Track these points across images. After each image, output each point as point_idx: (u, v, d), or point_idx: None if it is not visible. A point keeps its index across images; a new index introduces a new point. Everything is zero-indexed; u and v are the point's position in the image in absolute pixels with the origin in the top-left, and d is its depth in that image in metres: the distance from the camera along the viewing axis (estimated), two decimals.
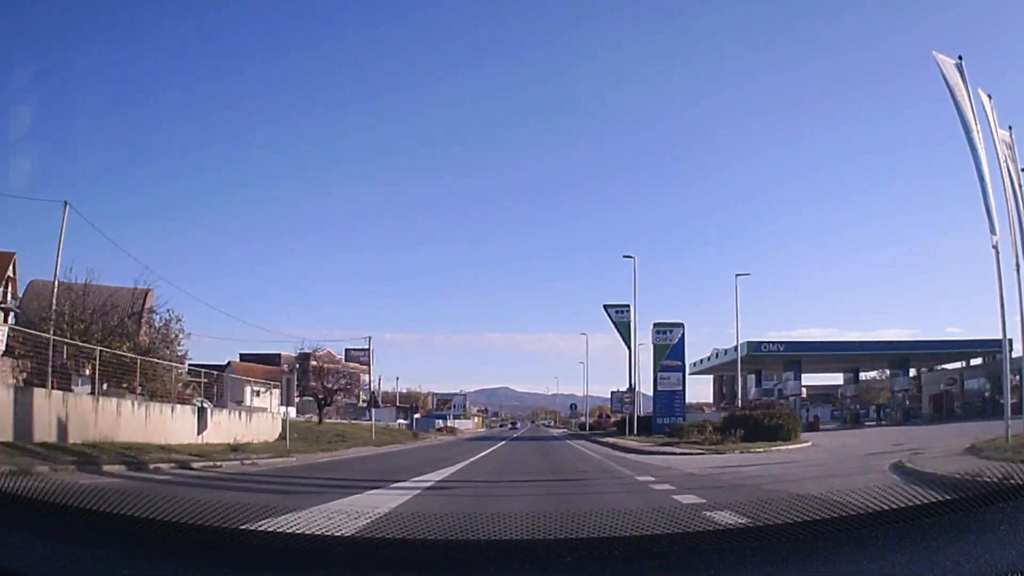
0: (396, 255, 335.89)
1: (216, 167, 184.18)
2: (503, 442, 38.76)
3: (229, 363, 65.82)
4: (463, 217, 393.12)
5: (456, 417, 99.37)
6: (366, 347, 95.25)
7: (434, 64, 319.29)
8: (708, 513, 1.82)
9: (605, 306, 46.74)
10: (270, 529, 1.84)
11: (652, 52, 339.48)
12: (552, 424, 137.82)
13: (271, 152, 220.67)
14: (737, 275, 39.48)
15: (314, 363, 77.63)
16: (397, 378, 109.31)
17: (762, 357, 50.49)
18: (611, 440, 34.45)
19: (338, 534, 1.93)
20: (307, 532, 1.89)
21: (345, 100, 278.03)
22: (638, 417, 42.34)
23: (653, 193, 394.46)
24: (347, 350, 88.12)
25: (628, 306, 46.76)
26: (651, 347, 43.89)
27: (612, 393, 78.10)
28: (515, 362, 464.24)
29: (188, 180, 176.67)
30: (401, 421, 60.02)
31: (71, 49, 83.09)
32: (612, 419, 78.33)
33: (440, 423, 75.41)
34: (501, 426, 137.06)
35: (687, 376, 47.05)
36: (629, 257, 45.72)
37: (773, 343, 50.60)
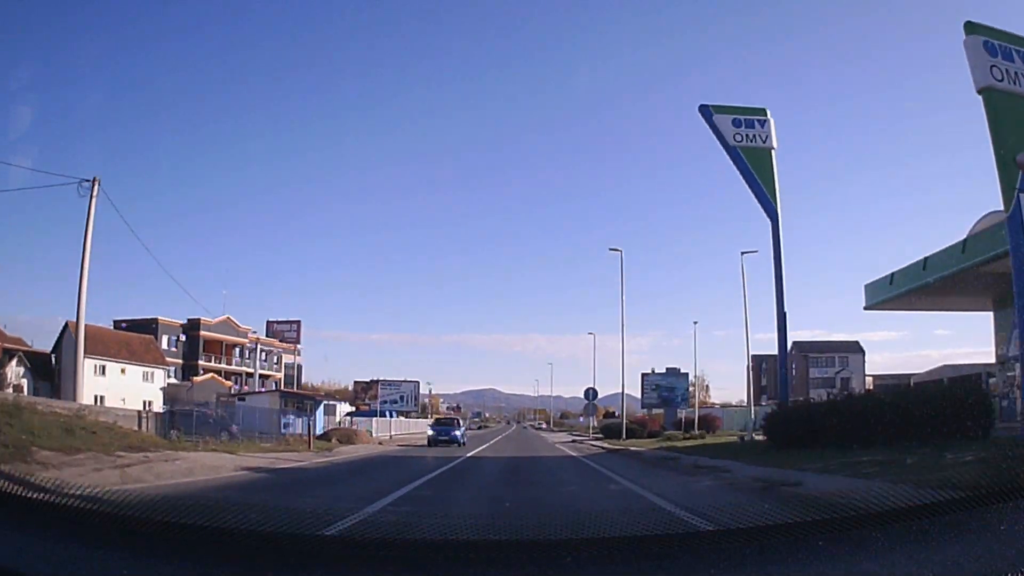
0: (380, 257, 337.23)
1: (209, 164, 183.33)
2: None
3: (67, 326, 47.20)
4: (448, 220, 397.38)
5: (406, 414, 71.50)
6: (292, 320, 77.51)
7: (424, 61, 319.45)
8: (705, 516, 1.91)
9: (707, 109, 22.76)
10: (270, 530, 1.96)
11: (651, 61, 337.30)
12: (543, 426, 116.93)
13: (259, 147, 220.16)
14: None
15: (205, 333, 64.96)
16: (298, 348, 77.21)
17: None
18: None
19: (329, 533, 2.03)
20: (304, 533, 2.00)
21: (339, 96, 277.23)
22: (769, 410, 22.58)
23: (645, 196, 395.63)
24: (268, 322, 77.72)
25: (763, 113, 22.90)
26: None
27: (644, 376, 54.85)
28: (501, 364, 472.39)
29: (189, 181, 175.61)
30: (293, 416, 39.95)
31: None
32: (637, 415, 56.36)
33: (357, 423, 46.00)
34: (480, 428, 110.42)
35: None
36: None
37: None
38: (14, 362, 45.85)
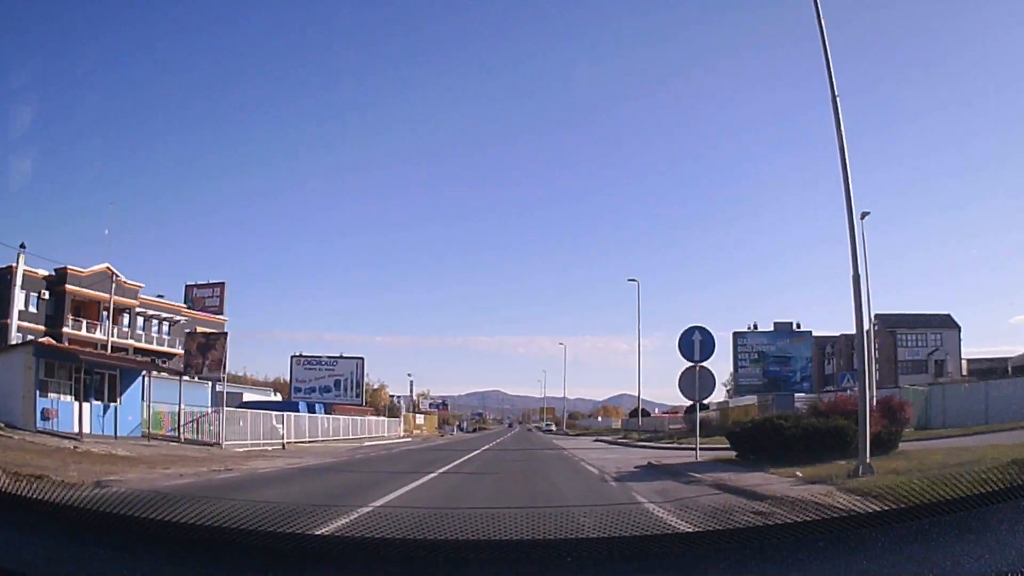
0: (385, 259, 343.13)
1: (211, 166, 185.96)
2: None
3: None
4: (450, 223, 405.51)
5: (339, 409, 54.21)
6: (215, 282, 67.04)
7: (430, 56, 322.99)
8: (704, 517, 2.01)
9: None
10: (270, 529, 2.04)
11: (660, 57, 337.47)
12: (552, 428, 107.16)
13: (257, 142, 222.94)
14: None
15: (74, 287, 49.28)
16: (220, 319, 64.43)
17: None
18: None
19: (320, 533, 2.11)
20: (301, 532, 2.09)
21: (340, 99, 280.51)
22: None
23: (648, 199, 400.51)
24: (187, 287, 68.61)
25: None
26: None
27: (736, 338, 36.27)
28: (506, 366, 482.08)
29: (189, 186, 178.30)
30: (70, 398, 25.68)
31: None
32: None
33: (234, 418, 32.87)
34: (474, 431, 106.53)
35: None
36: None
37: None
38: None
